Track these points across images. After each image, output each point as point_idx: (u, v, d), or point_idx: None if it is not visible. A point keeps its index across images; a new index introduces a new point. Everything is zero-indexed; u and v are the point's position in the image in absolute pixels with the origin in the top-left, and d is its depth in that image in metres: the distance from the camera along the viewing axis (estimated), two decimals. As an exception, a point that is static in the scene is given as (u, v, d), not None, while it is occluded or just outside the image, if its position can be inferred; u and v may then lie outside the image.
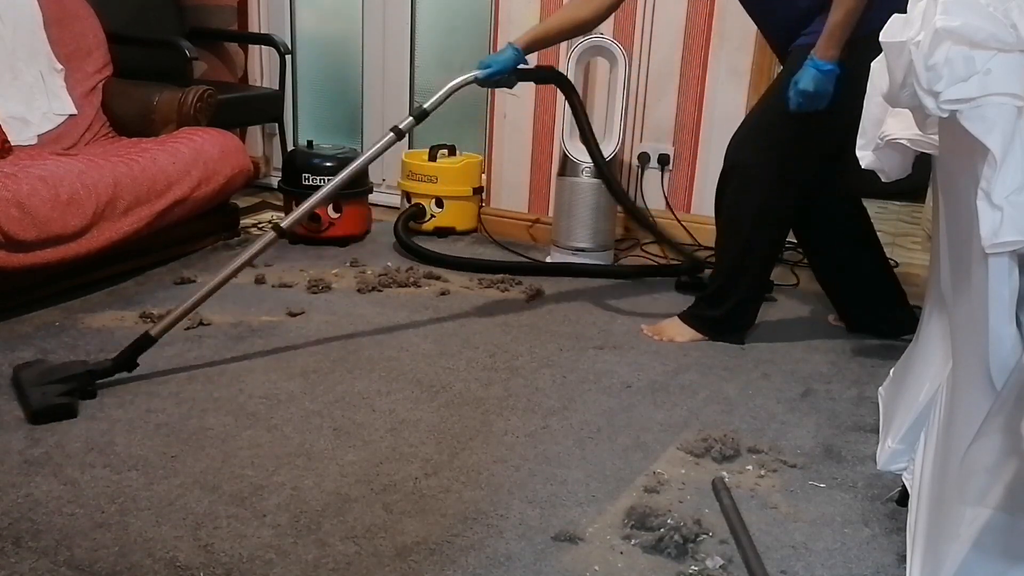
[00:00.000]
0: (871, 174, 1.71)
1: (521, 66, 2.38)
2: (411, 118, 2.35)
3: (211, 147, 2.86)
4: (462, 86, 2.36)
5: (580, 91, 3.09)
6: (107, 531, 1.46)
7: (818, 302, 2.71)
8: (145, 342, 2.05)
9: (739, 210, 2.33)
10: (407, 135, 2.49)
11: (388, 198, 3.72)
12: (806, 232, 2.49)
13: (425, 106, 2.35)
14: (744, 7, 2.32)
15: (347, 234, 3.19)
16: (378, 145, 2.34)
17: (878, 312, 2.46)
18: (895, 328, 2.41)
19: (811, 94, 2.06)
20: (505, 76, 2.37)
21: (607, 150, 3.01)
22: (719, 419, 1.96)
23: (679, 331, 2.43)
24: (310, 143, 3.31)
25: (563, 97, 2.64)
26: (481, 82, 2.36)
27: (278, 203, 3.52)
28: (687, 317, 2.45)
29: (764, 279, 2.43)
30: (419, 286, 2.77)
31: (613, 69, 2.99)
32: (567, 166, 3.01)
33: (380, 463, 1.71)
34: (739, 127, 2.39)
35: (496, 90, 3.28)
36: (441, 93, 2.35)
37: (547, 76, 2.61)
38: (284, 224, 2.24)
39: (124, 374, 2.01)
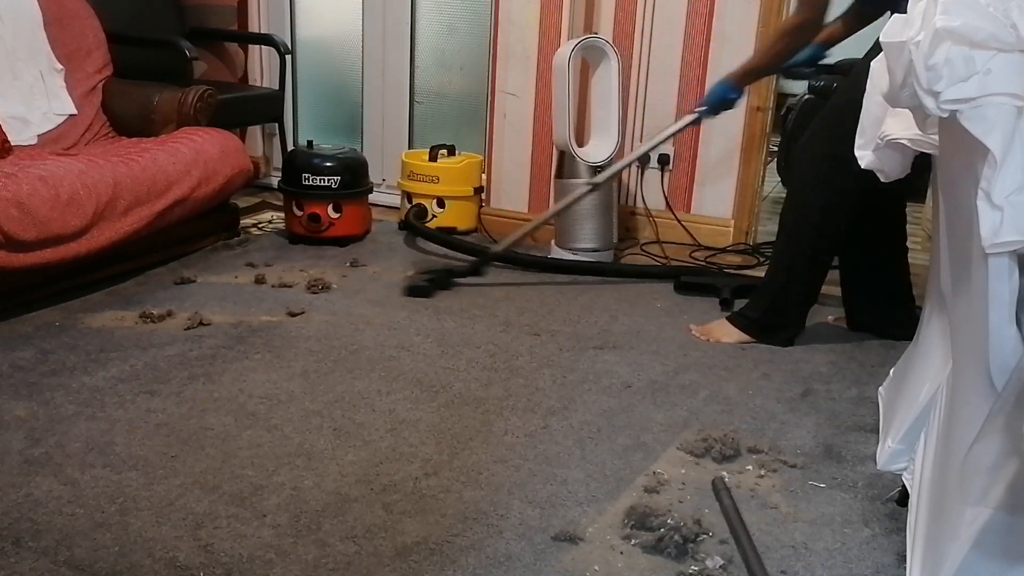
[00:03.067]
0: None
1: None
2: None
3: (211, 147, 2.86)
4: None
5: (577, 91, 3.10)
6: (107, 531, 1.46)
7: (818, 302, 2.70)
8: (488, 256, 2.87)
9: (787, 209, 2.37)
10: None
11: (388, 198, 3.72)
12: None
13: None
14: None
15: (347, 234, 3.19)
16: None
17: (884, 311, 2.45)
18: (898, 328, 2.40)
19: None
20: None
21: (606, 150, 3.02)
22: (719, 419, 1.96)
23: (726, 332, 2.44)
24: (310, 143, 3.31)
25: (563, 97, 2.67)
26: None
27: (278, 203, 3.52)
28: (734, 317, 2.46)
29: (804, 280, 2.37)
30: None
31: (607, 68, 2.99)
32: (565, 168, 3.00)
33: (380, 463, 1.71)
34: (813, 122, 2.40)
35: (498, 92, 3.29)
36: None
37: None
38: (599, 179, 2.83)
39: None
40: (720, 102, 2.53)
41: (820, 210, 2.29)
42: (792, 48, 2.35)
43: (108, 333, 2.28)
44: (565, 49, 2.92)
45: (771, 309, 2.39)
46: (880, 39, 1.25)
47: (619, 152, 3.07)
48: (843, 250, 2.49)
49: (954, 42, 1.07)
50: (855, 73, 2.24)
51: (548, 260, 3.03)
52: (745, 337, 2.41)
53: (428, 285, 2.70)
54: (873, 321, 2.47)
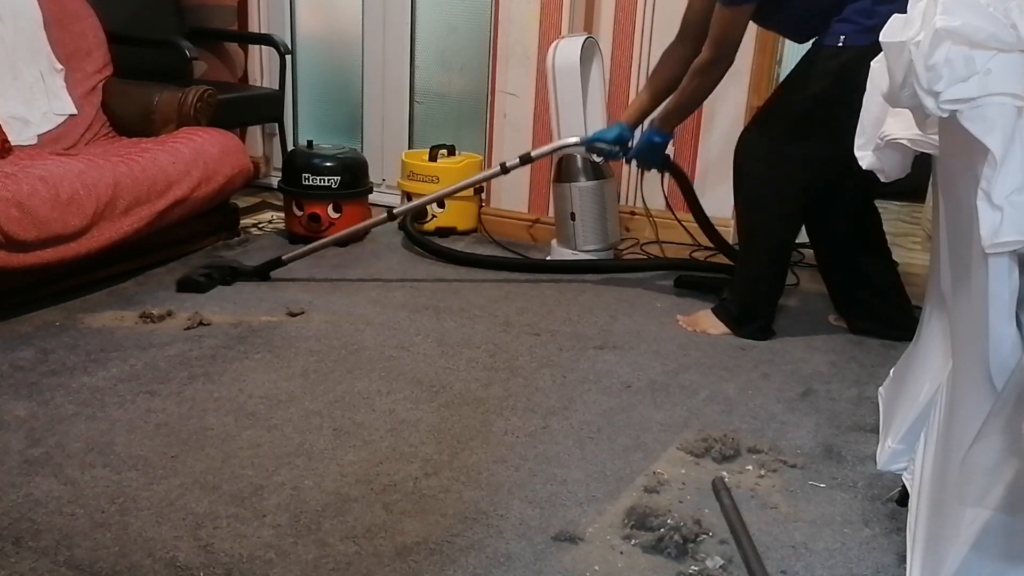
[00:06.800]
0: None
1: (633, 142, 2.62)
2: (518, 159, 2.72)
3: (211, 147, 2.86)
4: (567, 147, 2.74)
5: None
6: (107, 531, 1.46)
7: (818, 302, 2.71)
8: (277, 262, 2.76)
9: (743, 204, 2.43)
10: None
11: (388, 198, 3.72)
12: (816, 231, 2.50)
13: (532, 153, 2.72)
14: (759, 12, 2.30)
15: (347, 234, 3.18)
16: (484, 174, 2.91)
17: (880, 314, 2.46)
18: (897, 330, 2.40)
19: (644, 159, 2.60)
20: (609, 146, 2.61)
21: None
22: (719, 419, 1.96)
23: (711, 323, 2.49)
24: (310, 143, 3.31)
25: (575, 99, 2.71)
26: (586, 145, 2.66)
27: (278, 203, 3.52)
28: (717, 309, 2.51)
29: (770, 272, 2.44)
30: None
31: (596, 66, 2.98)
32: (563, 172, 2.99)
33: (380, 463, 1.71)
34: (749, 122, 2.49)
35: (498, 92, 3.29)
36: (547, 148, 2.74)
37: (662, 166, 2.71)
38: (396, 211, 2.88)
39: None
40: (648, 147, 2.55)
41: (775, 207, 2.36)
42: (706, 87, 2.37)
43: (108, 333, 2.28)
44: (570, 49, 2.87)
45: (743, 304, 2.45)
46: (881, 39, 1.25)
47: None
48: (821, 258, 2.53)
49: (954, 42, 1.07)
50: (798, 75, 2.29)
51: (528, 261, 3.05)
52: (728, 328, 2.46)
53: (203, 280, 2.63)
54: (871, 325, 2.47)
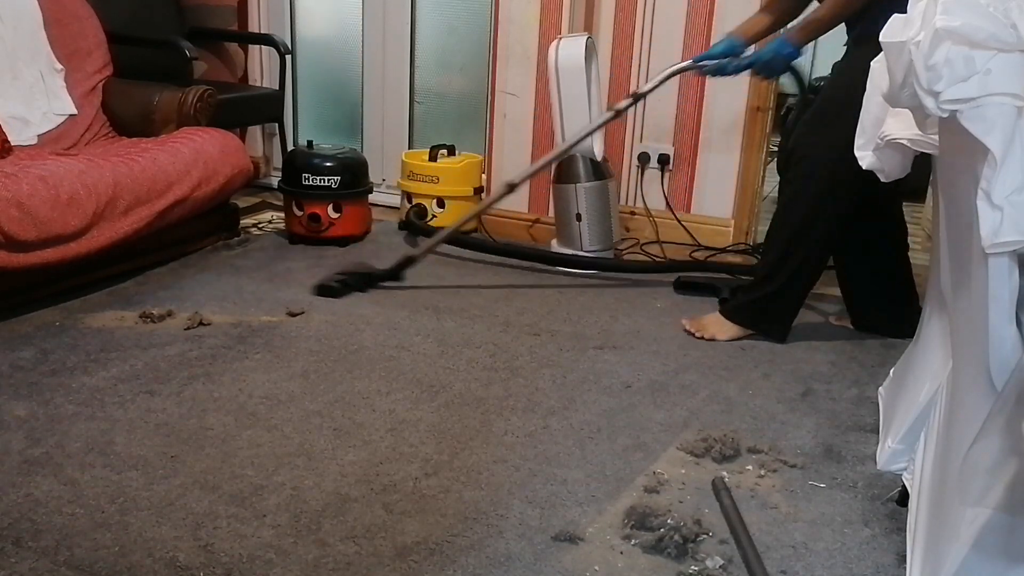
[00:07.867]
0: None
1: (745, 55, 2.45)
2: (629, 99, 2.61)
3: (211, 147, 2.86)
4: (681, 71, 2.56)
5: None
6: (107, 531, 1.46)
7: (819, 302, 2.71)
8: (409, 260, 2.74)
9: (794, 199, 2.33)
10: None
11: (388, 198, 3.72)
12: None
13: (642, 90, 2.61)
14: None
15: (347, 234, 3.19)
16: (599, 121, 2.75)
17: (890, 310, 2.45)
18: (901, 325, 2.39)
19: (768, 67, 2.39)
20: (718, 61, 2.44)
21: (598, 147, 3.00)
22: (719, 419, 1.96)
23: (721, 327, 2.42)
24: (310, 143, 3.30)
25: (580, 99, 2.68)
26: (697, 65, 2.49)
27: (278, 203, 3.52)
28: (728, 310, 2.44)
29: (808, 271, 2.35)
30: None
31: (593, 65, 2.98)
32: (565, 172, 2.99)
33: (380, 463, 1.71)
34: (802, 127, 2.41)
35: (498, 92, 3.29)
36: (659, 77, 2.57)
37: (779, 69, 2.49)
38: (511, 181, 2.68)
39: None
40: (775, 57, 2.35)
41: (833, 210, 2.27)
42: (853, 4, 2.22)
43: (108, 333, 2.28)
44: (574, 50, 2.87)
45: (771, 302, 2.37)
46: (880, 39, 1.25)
47: (607, 151, 3.06)
48: (843, 253, 2.49)
49: (954, 42, 1.07)
50: (842, 70, 2.26)
51: (546, 253, 3.04)
52: (740, 332, 2.41)
53: (339, 286, 2.64)
54: (880, 320, 2.47)
